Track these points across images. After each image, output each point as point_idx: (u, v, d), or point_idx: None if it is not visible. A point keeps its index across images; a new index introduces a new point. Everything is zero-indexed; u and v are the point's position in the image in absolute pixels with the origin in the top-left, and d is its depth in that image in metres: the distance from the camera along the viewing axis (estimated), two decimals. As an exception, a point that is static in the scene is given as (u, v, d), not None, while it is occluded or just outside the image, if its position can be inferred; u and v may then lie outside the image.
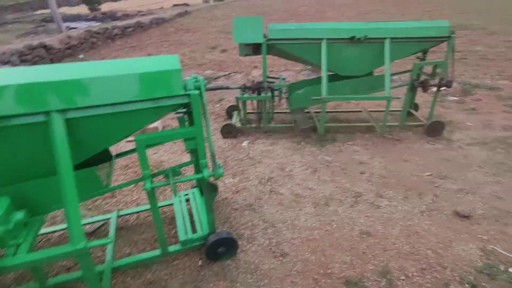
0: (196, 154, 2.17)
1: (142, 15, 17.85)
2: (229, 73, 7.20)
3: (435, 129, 4.04)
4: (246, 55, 4.04)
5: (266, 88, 3.90)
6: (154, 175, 2.15)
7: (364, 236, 2.57)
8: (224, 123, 4.22)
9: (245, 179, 3.37)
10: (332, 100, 3.94)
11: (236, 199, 3.06)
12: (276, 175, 3.42)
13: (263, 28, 3.70)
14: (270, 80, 4.21)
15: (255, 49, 3.94)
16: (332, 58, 3.81)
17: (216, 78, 6.88)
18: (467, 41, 9.18)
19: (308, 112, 4.68)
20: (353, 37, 3.66)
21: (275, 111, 4.74)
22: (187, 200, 2.81)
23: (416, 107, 4.62)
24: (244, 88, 3.97)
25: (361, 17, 15.70)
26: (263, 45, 3.75)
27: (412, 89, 3.95)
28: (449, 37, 3.67)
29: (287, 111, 4.59)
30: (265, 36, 3.74)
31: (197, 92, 1.87)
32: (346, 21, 14.66)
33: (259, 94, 3.95)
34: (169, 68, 1.78)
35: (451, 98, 5.25)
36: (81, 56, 10.29)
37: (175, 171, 2.18)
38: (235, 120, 4.37)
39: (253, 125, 4.28)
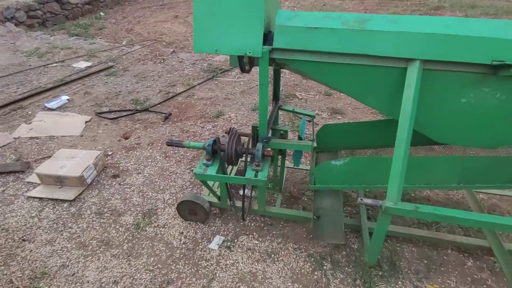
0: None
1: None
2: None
3: None
4: (241, 69, 1.81)
5: (261, 151, 1.68)
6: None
7: None
8: (181, 200, 2.13)
9: None
10: (411, 216, 1.58)
11: None
12: None
13: (265, 19, 1.41)
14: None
15: (252, 62, 1.72)
16: (433, 109, 1.46)
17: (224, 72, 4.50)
18: None
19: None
20: (501, 63, 1.26)
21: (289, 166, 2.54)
22: None
23: None
24: (212, 148, 1.78)
25: (319, 7, 9.78)
26: (261, 60, 1.50)
27: None
28: None
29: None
30: (268, 40, 1.48)
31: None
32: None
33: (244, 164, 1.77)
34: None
35: None
36: (101, 14, 8.41)
37: None
38: (208, 191, 2.24)
39: (235, 207, 2.12)
